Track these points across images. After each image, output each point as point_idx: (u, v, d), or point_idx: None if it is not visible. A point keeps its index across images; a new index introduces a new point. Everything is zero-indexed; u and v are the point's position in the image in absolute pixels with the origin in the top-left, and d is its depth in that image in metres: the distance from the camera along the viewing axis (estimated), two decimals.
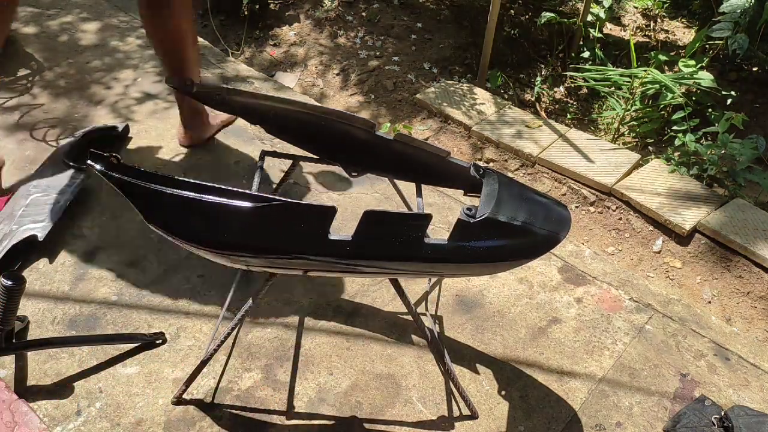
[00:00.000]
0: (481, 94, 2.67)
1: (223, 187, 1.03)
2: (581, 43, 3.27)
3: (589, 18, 3.24)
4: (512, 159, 2.38)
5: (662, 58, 2.98)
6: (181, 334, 1.51)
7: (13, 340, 1.35)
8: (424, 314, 1.59)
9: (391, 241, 1.05)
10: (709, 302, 1.92)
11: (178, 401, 1.37)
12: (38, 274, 1.63)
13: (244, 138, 2.18)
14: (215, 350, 1.28)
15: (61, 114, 2.21)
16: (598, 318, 1.66)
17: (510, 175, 2.35)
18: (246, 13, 3.35)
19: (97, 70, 2.43)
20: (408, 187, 1.58)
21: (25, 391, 1.36)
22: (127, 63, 2.52)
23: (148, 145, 2.10)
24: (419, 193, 1.34)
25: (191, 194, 1.01)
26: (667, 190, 2.14)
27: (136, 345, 1.47)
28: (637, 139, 2.74)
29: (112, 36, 2.70)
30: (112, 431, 1.30)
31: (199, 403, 1.37)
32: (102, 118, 2.21)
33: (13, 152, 2.01)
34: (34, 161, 1.98)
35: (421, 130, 2.53)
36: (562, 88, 3.20)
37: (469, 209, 1.08)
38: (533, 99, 3.11)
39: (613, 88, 2.78)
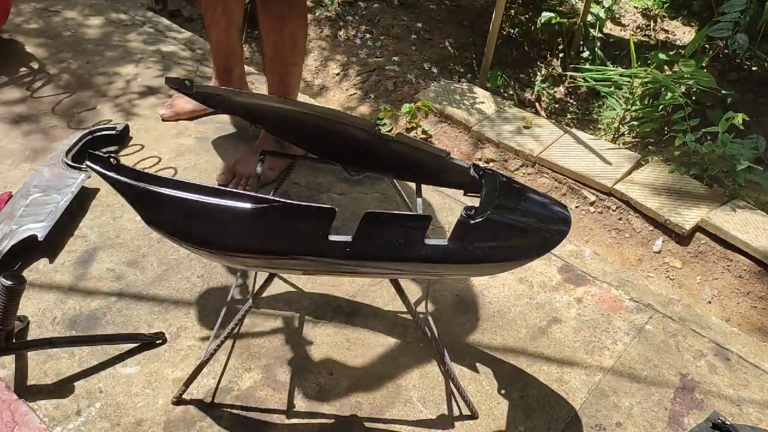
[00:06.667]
0: (481, 94, 2.67)
1: (222, 188, 1.03)
2: (581, 42, 3.28)
3: (589, 18, 3.25)
4: (512, 159, 2.38)
5: (662, 58, 2.98)
6: (181, 334, 1.51)
7: (13, 340, 1.35)
8: (424, 314, 1.59)
9: (391, 242, 1.05)
10: (709, 302, 1.92)
11: (178, 401, 1.37)
12: (38, 274, 1.63)
13: (244, 138, 2.18)
14: (215, 350, 1.28)
15: (64, 110, 2.21)
16: (598, 318, 1.66)
17: (510, 174, 2.35)
18: (246, 12, 3.34)
19: (100, 66, 2.43)
20: (408, 188, 1.58)
21: (25, 391, 1.35)
22: (129, 58, 2.52)
23: (148, 146, 2.10)
24: (419, 193, 1.34)
25: (190, 195, 1.01)
26: (667, 190, 2.14)
27: (136, 345, 1.47)
28: (637, 139, 2.74)
29: (115, 32, 2.71)
30: (112, 431, 1.30)
31: (199, 403, 1.37)
32: (104, 115, 2.21)
33: (13, 151, 2.01)
34: (35, 160, 1.98)
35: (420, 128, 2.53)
36: (562, 88, 3.20)
37: (469, 209, 1.08)
38: (533, 99, 3.12)
39: (613, 88, 2.78)
